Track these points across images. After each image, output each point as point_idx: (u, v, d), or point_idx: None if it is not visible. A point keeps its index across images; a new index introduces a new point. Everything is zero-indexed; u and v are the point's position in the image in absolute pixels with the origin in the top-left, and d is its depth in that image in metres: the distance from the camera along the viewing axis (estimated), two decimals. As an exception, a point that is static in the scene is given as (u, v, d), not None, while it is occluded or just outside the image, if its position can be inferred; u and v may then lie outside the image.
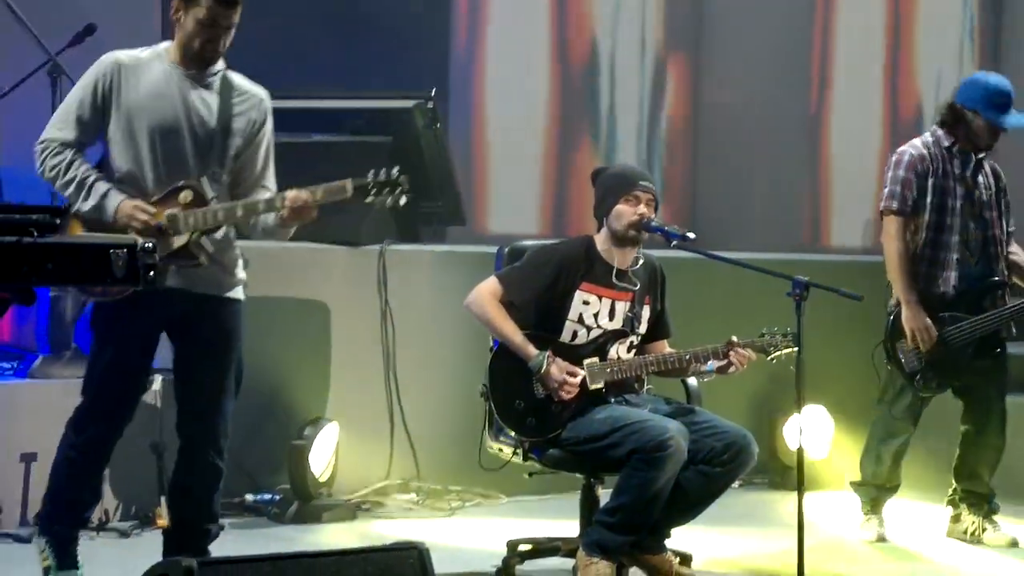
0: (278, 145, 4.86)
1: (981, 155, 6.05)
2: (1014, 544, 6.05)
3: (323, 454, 6.22)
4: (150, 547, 5.03)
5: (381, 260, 6.64)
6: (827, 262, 7.90)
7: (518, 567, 5.26)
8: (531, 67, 8.71)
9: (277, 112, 4.85)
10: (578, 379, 5.09)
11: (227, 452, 4.76)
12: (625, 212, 5.22)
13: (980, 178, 6.06)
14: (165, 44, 4.71)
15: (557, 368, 5.08)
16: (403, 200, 4.71)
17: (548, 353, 5.11)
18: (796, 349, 5.02)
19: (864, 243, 8.88)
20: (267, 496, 6.21)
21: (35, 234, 3.16)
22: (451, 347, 6.60)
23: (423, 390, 6.65)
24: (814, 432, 6.98)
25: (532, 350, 5.12)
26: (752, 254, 7.08)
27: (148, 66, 4.67)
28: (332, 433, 6.26)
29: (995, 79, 6.01)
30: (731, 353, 5.13)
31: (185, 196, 4.58)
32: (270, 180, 4.80)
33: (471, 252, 6.80)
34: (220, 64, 4.72)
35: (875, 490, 6.19)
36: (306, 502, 6.14)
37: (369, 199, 4.68)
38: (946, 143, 6.01)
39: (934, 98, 8.85)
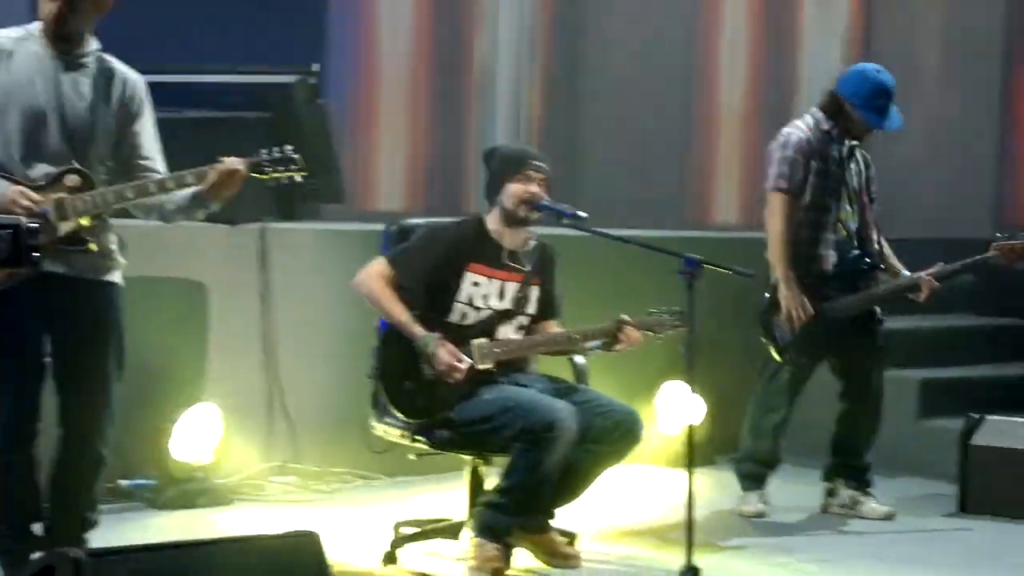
0: (152, 121, 4.74)
1: (856, 142, 6.15)
2: (890, 516, 6.16)
3: (200, 438, 6.10)
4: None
5: (261, 239, 6.53)
6: (707, 239, 7.94)
7: (403, 549, 5.22)
8: (412, 40, 8.62)
9: (151, 87, 4.72)
10: (465, 366, 5.05)
11: (111, 440, 4.64)
12: (517, 191, 5.20)
13: (853, 164, 6.17)
14: (37, 24, 4.56)
15: (445, 351, 5.04)
16: (299, 178, 4.63)
17: (437, 335, 5.06)
18: (684, 327, 5.07)
19: (739, 220, 8.95)
20: (141, 481, 6.08)
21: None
22: (334, 328, 6.51)
23: (304, 372, 6.56)
24: (688, 408, 7.05)
25: (420, 330, 5.07)
26: (641, 232, 7.09)
27: (19, 48, 4.51)
28: (210, 416, 6.15)
29: (879, 77, 6.07)
30: (620, 332, 5.14)
31: (72, 180, 4.44)
32: (159, 162, 4.67)
33: (355, 231, 6.70)
34: (94, 45, 4.58)
35: (755, 465, 6.26)
36: (180, 487, 6.03)
37: (264, 177, 4.59)
38: (825, 127, 6.11)
39: (812, 77, 8.96)
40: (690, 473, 4.71)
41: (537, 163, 5.26)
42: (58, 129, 4.47)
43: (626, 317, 5.17)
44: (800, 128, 6.13)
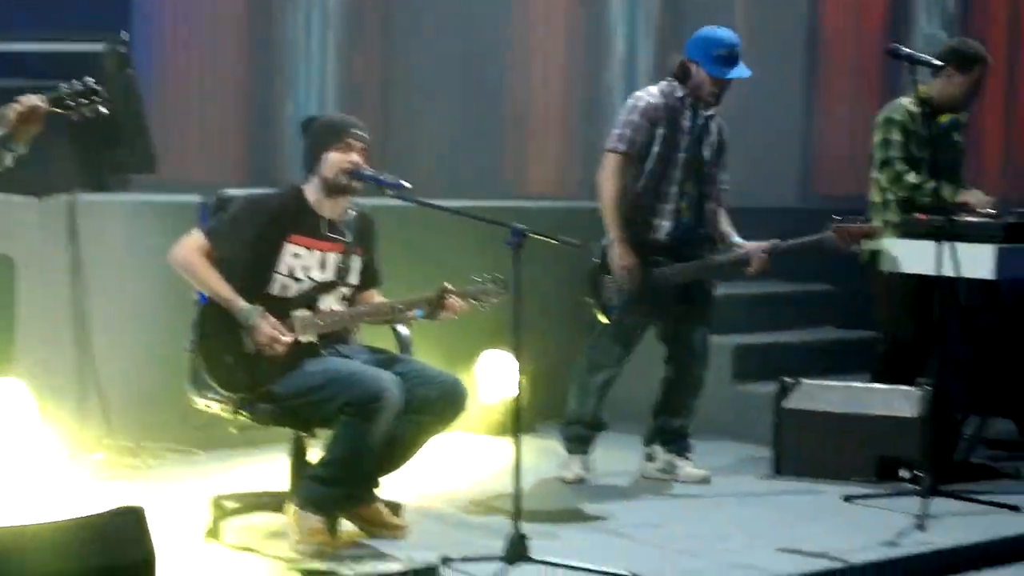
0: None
1: (710, 112, 6.19)
2: (706, 480, 6.27)
3: (8, 416, 5.93)
4: None
5: (70, 212, 6.35)
6: (529, 209, 7.96)
7: (226, 524, 5.14)
8: (222, 9, 8.47)
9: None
10: (287, 339, 4.99)
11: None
12: (337, 160, 5.15)
13: (705, 135, 6.21)
14: None
15: (267, 323, 4.97)
16: (102, 110, 4.50)
17: (258, 308, 4.99)
18: (507, 296, 5.09)
19: (557, 191, 9.01)
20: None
21: None
22: (148, 301, 6.38)
23: (117, 346, 6.41)
24: (511, 376, 7.10)
25: (241, 303, 5.00)
26: (463, 202, 7.08)
27: None
28: (18, 394, 5.98)
29: (718, 32, 6.14)
30: (443, 301, 5.13)
31: None
32: None
33: (169, 202, 6.55)
34: None
35: (581, 427, 6.31)
36: (-10, 466, 5.87)
37: (66, 111, 4.46)
38: (679, 94, 6.15)
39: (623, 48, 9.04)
40: (516, 441, 4.72)
41: (357, 132, 5.21)
42: None
43: (449, 286, 5.16)
44: (653, 94, 6.15)
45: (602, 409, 6.32)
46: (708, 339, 6.35)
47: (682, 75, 6.15)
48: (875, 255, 6.64)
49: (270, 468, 5.62)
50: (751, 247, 6.16)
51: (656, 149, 6.11)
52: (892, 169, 6.55)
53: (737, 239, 6.25)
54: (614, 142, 6.12)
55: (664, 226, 6.14)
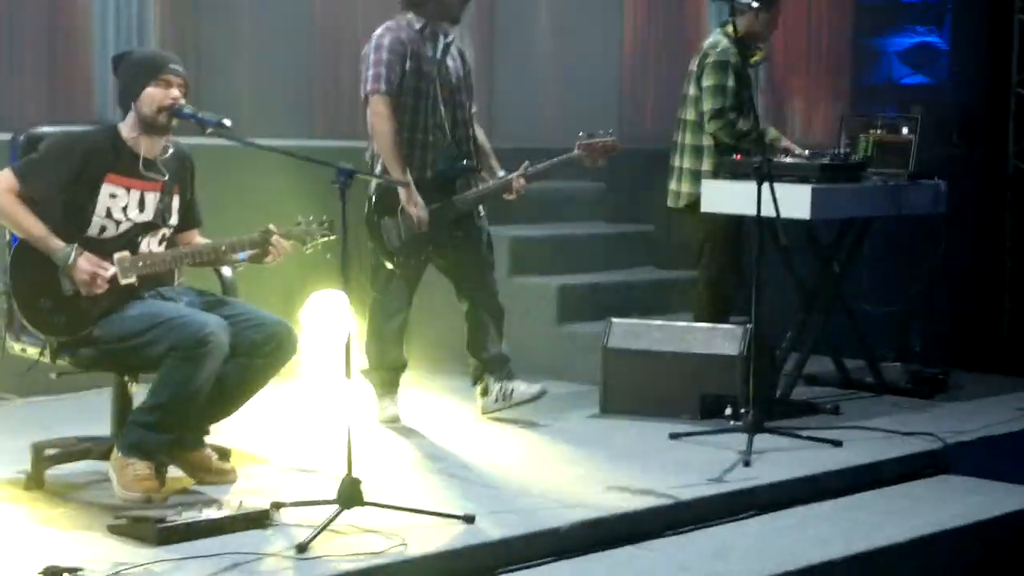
0: None
1: (450, 38, 6.18)
2: (543, 393, 6.28)
3: None
4: None
5: None
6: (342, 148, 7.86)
7: (48, 472, 4.99)
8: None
9: None
10: (109, 273, 4.85)
11: None
12: (156, 96, 4.99)
13: (449, 61, 6.20)
14: None
15: (86, 260, 4.82)
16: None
17: (75, 246, 4.83)
18: (333, 237, 5.03)
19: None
20: None
21: None
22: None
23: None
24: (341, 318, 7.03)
25: (57, 243, 4.83)
26: (295, 141, 6.97)
27: None
28: None
29: None
30: (268, 243, 5.03)
31: None
32: None
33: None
34: None
35: (384, 372, 6.28)
36: None
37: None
38: (417, 25, 6.10)
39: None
40: (348, 384, 4.65)
41: (175, 67, 5.07)
42: None
43: (273, 227, 5.06)
44: (392, 29, 6.09)
45: (400, 349, 6.28)
46: (492, 267, 6.34)
47: (418, 1, 6.09)
48: (689, 200, 6.72)
49: (92, 414, 5.46)
50: (510, 174, 6.18)
51: (408, 83, 6.07)
52: (724, 118, 6.61)
53: (496, 165, 6.28)
54: (374, 84, 6.03)
55: (428, 159, 6.11)
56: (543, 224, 7.83)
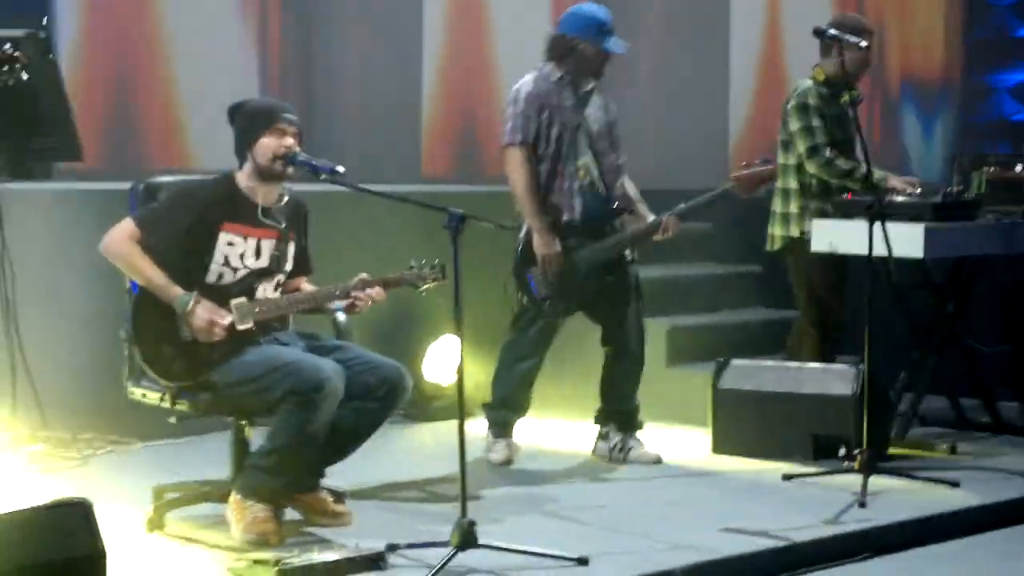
0: None
1: (590, 87, 6.24)
2: (658, 461, 6.28)
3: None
4: None
5: (-5, 200, 6.24)
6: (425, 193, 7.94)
7: (168, 515, 5.08)
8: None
9: None
10: (226, 322, 4.94)
11: None
12: (270, 145, 5.09)
13: (591, 108, 6.27)
14: None
15: (204, 309, 4.91)
16: (24, 77, 4.41)
17: (194, 294, 4.93)
18: (444, 280, 5.11)
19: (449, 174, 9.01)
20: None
21: None
22: (78, 291, 6.28)
23: (48, 337, 6.30)
24: (449, 362, 7.13)
25: (176, 290, 4.94)
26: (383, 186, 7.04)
27: None
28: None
29: (597, 8, 6.23)
30: (357, 292, 5.09)
31: None
32: None
33: (97, 190, 6.46)
34: None
35: (505, 412, 6.33)
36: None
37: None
38: (555, 77, 6.18)
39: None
40: (461, 424, 4.69)
41: (288, 116, 5.16)
42: None
43: (365, 276, 5.13)
44: (528, 82, 6.21)
45: (527, 394, 6.33)
46: (639, 313, 6.37)
47: (559, 52, 6.18)
48: (790, 240, 6.70)
49: (211, 457, 5.55)
50: (663, 216, 6.20)
51: (547, 132, 6.16)
52: (820, 155, 6.59)
53: (644, 210, 6.31)
54: (509, 135, 6.16)
55: (575, 205, 6.17)
56: (651, 265, 7.83)
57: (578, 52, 6.16)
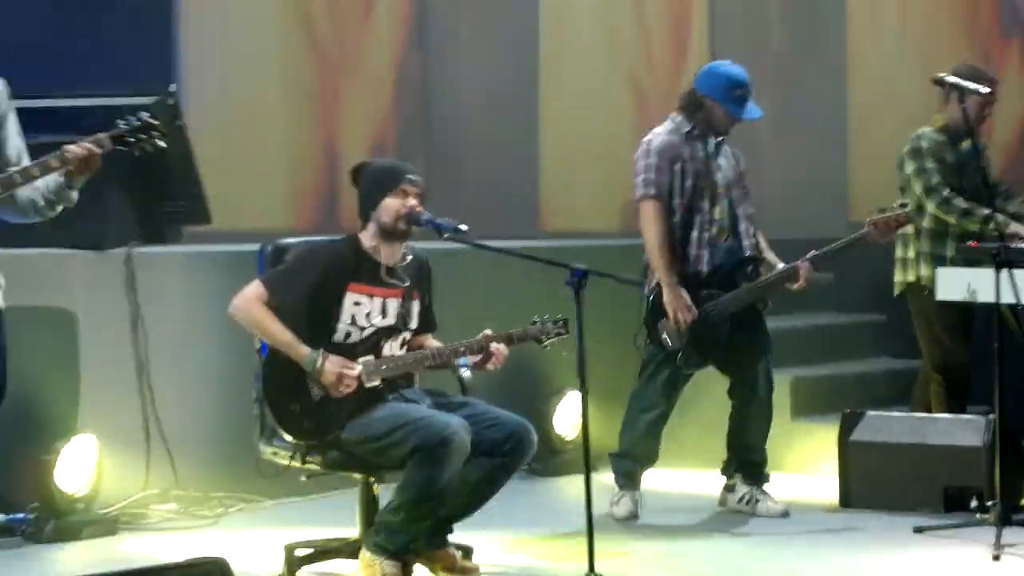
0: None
1: (720, 138, 6.26)
2: (786, 514, 6.24)
3: (78, 468, 5.95)
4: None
5: (128, 264, 6.39)
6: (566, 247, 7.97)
7: (299, 572, 5.14)
8: (267, 54, 8.53)
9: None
10: (355, 372, 5.00)
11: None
12: (394, 206, 5.16)
13: (721, 160, 6.30)
14: None
15: (332, 363, 4.99)
16: (161, 144, 4.54)
17: (322, 350, 5.01)
18: (567, 335, 5.15)
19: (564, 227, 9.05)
20: (19, 516, 5.91)
21: None
22: (209, 351, 6.41)
23: (180, 397, 6.43)
24: (574, 416, 7.17)
25: (304, 349, 5.02)
26: (509, 242, 7.11)
27: None
28: (87, 446, 6.00)
29: (734, 70, 6.25)
30: (488, 349, 5.12)
31: None
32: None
33: (225, 252, 6.60)
34: None
35: (631, 462, 6.33)
36: (60, 519, 5.87)
37: (127, 147, 4.52)
38: (686, 128, 6.21)
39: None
40: (587, 479, 4.71)
41: (412, 176, 5.23)
42: None
43: (489, 332, 5.17)
44: (659, 134, 6.24)
45: (654, 444, 6.33)
46: (768, 364, 6.35)
47: (692, 108, 6.21)
48: (908, 285, 6.64)
49: (340, 514, 5.62)
50: (796, 263, 6.18)
51: (679, 184, 6.17)
52: (939, 195, 6.55)
53: (774, 258, 6.29)
54: (642, 189, 6.18)
55: (703, 256, 6.18)
56: (772, 317, 7.79)
57: (707, 110, 6.19)
